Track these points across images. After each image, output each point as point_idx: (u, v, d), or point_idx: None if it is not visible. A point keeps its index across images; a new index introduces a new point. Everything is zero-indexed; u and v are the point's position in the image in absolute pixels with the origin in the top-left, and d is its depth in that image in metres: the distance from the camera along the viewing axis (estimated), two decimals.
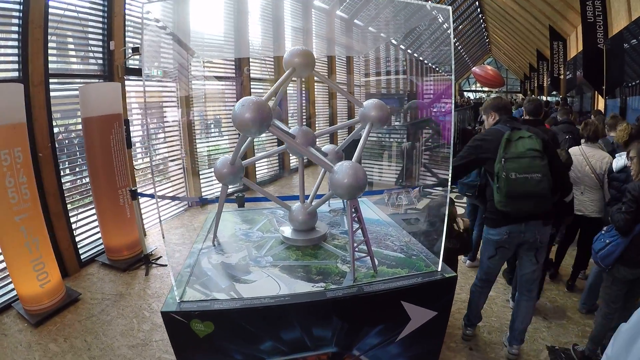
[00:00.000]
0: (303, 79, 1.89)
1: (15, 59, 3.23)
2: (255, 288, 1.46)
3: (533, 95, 17.87)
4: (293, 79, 1.83)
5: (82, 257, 4.13)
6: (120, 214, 4.12)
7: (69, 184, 4.17)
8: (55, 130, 3.75)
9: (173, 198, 4.83)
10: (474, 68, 21.52)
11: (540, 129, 2.65)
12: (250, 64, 7.24)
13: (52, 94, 3.60)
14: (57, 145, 3.74)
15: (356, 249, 1.53)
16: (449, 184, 1.81)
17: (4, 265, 3.20)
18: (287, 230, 1.97)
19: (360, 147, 1.66)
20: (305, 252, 1.82)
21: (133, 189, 3.92)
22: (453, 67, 1.70)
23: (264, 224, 2.26)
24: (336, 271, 1.58)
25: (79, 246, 4.11)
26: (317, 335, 1.40)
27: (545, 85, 19.34)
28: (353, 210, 1.50)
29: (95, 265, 4.19)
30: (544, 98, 17.80)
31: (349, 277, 1.51)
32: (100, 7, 4.13)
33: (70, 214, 4.00)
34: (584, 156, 3.28)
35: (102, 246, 4.29)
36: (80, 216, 4.25)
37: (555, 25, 15.19)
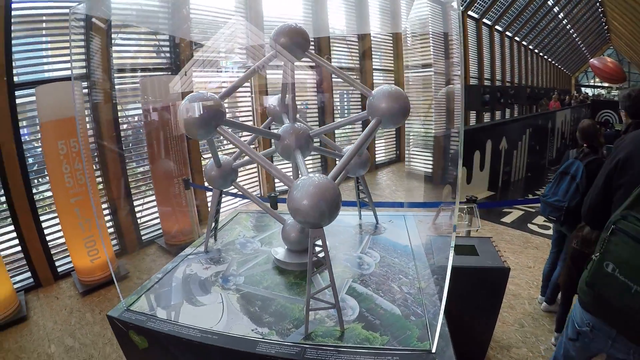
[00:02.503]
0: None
1: (83, 57, 3.46)
2: (198, 313, 1.29)
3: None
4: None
5: (142, 238, 4.42)
6: (176, 203, 4.28)
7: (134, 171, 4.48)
8: (122, 120, 4.04)
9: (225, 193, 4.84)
10: (592, 60, 18.06)
11: None
12: (331, 50, 6.88)
13: (119, 87, 3.85)
14: (121, 135, 4.01)
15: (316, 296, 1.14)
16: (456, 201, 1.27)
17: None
18: (279, 248, 1.67)
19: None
20: (286, 278, 1.49)
21: (185, 178, 4.01)
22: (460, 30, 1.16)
23: (270, 235, 1.98)
24: (296, 316, 1.21)
25: (140, 228, 4.40)
26: None
27: None
28: (315, 243, 1.10)
29: (153, 247, 4.44)
30: None
31: (302, 329, 1.13)
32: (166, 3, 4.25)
33: (134, 198, 4.30)
34: None
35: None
36: (147, 199, 4.55)
37: None
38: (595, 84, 30.78)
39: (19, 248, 3.62)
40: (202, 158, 5.14)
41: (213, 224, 1.90)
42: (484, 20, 12.17)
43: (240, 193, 2.39)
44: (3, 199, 3.50)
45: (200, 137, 1.26)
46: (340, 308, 1.12)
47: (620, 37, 24.20)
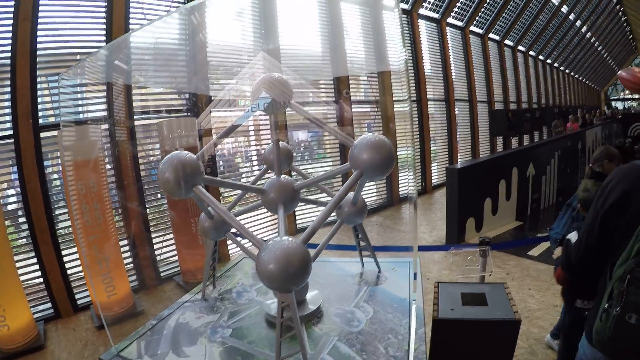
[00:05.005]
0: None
1: (104, 100, 3.69)
2: None
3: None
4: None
5: (161, 274, 4.50)
6: (193, 241, 4.34)
7: (153, 209, 4.63)
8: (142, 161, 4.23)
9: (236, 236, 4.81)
10: (619, 72, 17.31)
11: None
12: (350, 84, 6.89)
13: (138, 128, 4.05)
14: (141, 175, 4.18)
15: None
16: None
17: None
18: (272, 300, 1.65)
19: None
20: (273, 332, 1.46)
21: None
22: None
23: None
24: None
25: (158, 265, 4.50)
26: None
27: None
28: (284, 307, 1.07)
29: (171, 284, 4.50)
30: None
31: None
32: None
33: (153, 236, 4.42)
34: None
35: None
36: (166, 237, 4.66)
37: None
38: (626, 97, 29.86)
39: (41, 279, 3.81)
40: (221, 197, 5.20)
41: (210, 272, 1.92)
42: (506, 41, 12.01)
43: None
44: (27, 233, 3.74)
45: (179, 197, 1.29)
46: None
47: None
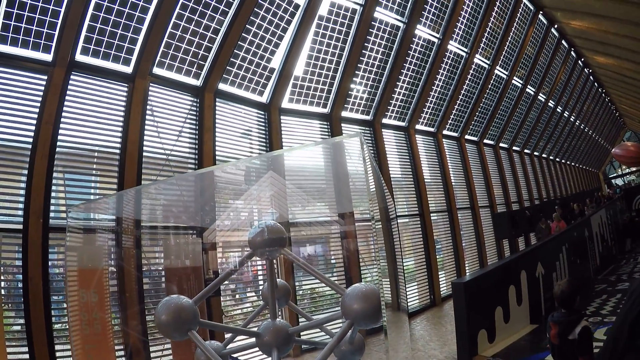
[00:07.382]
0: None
1: (113, 212, 3.87)
2: None
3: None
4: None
5: None
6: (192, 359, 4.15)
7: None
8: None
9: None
10: (613, 150, 18.05)
11: None
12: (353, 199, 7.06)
13: (144, 242, 4.21)
14: (144, 289, 4.21)
15: None
16: None
17: None
18: None
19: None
20: None
21: None
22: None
23: None
24: None
25: None
26: None
27: None
28: None
29: None
30: None
31: None
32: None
33: (152, 349, 4.25)
34: None
35: None
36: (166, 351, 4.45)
37: None
38: (624, 172, 30.53)
39: None
40: (223, 316, 5.10)
41: None
42: (501, 144, 12.70)
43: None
44: (22, 327, 3.73)
45: (174, 339, 1.36)
46: None
47: (633, 118, 24.53)
